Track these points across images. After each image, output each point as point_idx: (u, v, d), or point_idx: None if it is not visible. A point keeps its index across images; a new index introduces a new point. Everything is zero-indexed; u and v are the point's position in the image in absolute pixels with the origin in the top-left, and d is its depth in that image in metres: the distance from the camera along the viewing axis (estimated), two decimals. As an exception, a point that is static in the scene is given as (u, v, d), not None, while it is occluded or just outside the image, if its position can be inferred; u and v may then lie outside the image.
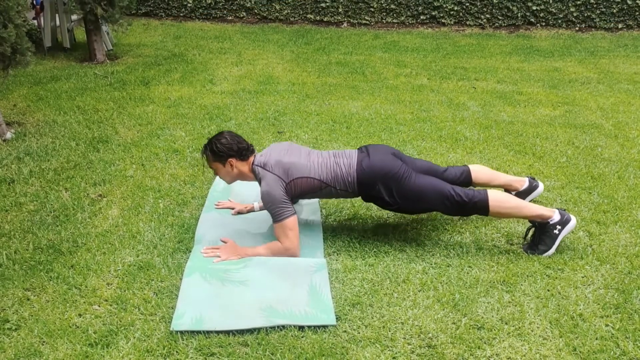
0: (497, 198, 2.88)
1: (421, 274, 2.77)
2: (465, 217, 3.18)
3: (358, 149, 3.03)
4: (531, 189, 3.32)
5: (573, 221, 2.90)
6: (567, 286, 2.67)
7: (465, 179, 3.16)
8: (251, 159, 2.96)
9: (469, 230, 3.15)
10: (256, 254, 2.84)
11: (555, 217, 2.89)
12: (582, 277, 2.74)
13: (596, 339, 2.35)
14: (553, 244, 2.88)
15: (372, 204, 3.42)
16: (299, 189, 2.89)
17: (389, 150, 3.00)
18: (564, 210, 2.97)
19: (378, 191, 2.88)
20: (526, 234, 3.02)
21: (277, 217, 2.81)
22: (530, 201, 3.30)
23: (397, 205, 2.91)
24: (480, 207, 2.87)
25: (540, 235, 2.92)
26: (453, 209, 2.90)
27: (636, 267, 2.82)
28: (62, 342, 2.31)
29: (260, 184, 2.87)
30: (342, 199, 3.32)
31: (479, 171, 3.22)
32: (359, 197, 3.05)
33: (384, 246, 3.00)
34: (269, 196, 2.80)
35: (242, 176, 2.99)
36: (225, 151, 2.90)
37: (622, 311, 2.50)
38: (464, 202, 2.86)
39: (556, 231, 2.88)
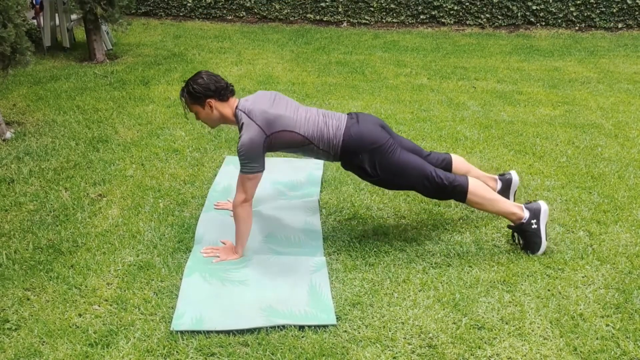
0: (476, 186, 2.89)
1: (421, 274, 2.77)
2: (441, 201, 3.14)
3: (347, 114, 2.95)
4: (507, 184, 3.28)
5: (543, 207, 2.90)
6: (567, 286, 2.67)
7: (446, 167, 3.15)
8: (232, 101, 2.87)
9: (469, 230, 3.15)
10: (238, 237, 2.83)
11: (526, 214, 2.89)
12: (583, 277, 2.74)
13: (597, 338, 2.35)
14: (539, 238, 2.88)
15: (367, 203, 3.42)
16: (280, 142, 2.81)
17: (377, 121, 2.96)
18: (529, 202, 2.96)
19: (360, 160, 2.84)
20: (513, 239, 3.02)
21: (244, 168, 2.75)
22: (514, 193, 3.31)
23: (377, 178, 2.88)
24: (459, 192, 2.87)
25: (524, 237, 2.92)
26: (432, 191, 2.89)
27: (636, 267, 2.82)
28: (62, 342, 2.30)
29: (240, 129, 2.78)
30: (322, 160, 3.23)
31: (460, 161, 3.21)
32: (338, 163, 2.99)
33: (384, 246, 3.00)
34: (245, 147, 2.71)
35: (224, 119, 2.89)
36: (203, 91, 2.80)
37: (623, 311, 2.50)
38: (444, 185, 2.85)
39: (534, 226, 2.87)
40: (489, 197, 2.91)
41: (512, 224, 2.94)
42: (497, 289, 2.65)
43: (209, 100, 2.82)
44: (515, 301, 2.57)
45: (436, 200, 3.35)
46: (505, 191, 3.28)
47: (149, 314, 2.47)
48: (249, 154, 2.73)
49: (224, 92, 2.84)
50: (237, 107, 2.84)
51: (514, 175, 3.32)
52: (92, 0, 6.35)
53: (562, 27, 8.93)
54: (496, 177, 3.32)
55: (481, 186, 2.93)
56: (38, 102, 5.21)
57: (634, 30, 8.83)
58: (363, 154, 2.83)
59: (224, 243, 2.97)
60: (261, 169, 2.78)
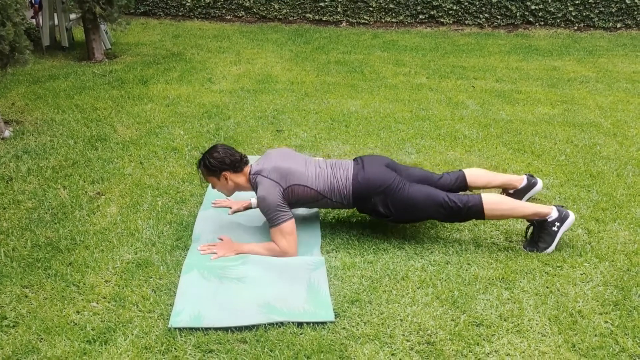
0: (491, 201, 2.89)
1: (420, 271, 2.76)
2: (463, 222, 3.17)
3: (353, 160, 3.04)
4: (530, 186, 3.31)
5: (572, 217, 2.90)
6: (566, 283, 2.67)
7: (461, 184, 3.15)
8: (246, 169, 2.96)
9: (468, 228, 3.15)
10: (253, 252, 2.84)
11: (553, 214, 2.89)
12: (581, 274, 2.74)
13: (595, 335, 2.35)
14: (553, 241, 2.88)
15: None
16: (296, 196, 2.89)
17: (383, 161, 3.01)
18: (562, 206, 2.96)
19: (373, 204, 2.90)
20: (526, 233, 3.03)
21: (273, 222, 2.80)
22: (529, 199, 3.30)
23: (393, 217, 2.92)
24: (475, 212, 2.88)
25: (540, 233, 2.92)
26: (449, 216, 2.90)
27: (635, 265, 2.82)
28: (60, 339, 2.30)
29: (256, 191, 2.87)
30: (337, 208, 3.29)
31: (475, 174, 3.20)
32: (354, 208, 3.05)
33: (382, 244, 2.99)
34: (265, 201, 2.79)
35: (239, 187, 2.99)
36: (218, 165, 2.91)
37: (621, 308, 2.50)
38: (459, 208, 2.86)
39: (555, 228, 2.88)
40: (507, 207, 2.91)
41: (533, 221, 2.93)
42: (496, 286, 2.65)
43: (224, 173, 2.91)
44: (513, 298, 2.57)
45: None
46: (524, 191, 3.28)
47: (147, 311, 2.46)
48: (270, 206, 2.79)
49: (239, 164, 2.94)
50: (250, 173, 2.93)
51: (539, 185, 3.32)
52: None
53: (561, 26, 8.94)
54: (524, 176, 3.31)
55: (496, 199, 2.93)
56: (37, 101, 5.21)
57: (633, 29, 8.85)
58: (374, 197, 2.89)
59: (221, 239, 2.97)
60: (290, 215, 2.82)
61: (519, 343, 2.30)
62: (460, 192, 3.12)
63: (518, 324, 2.41)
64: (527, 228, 3.01)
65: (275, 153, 3.01)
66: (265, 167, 2.88)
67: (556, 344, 2.30)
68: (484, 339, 2.32)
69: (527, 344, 2.30)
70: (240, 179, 2.95)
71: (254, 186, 2.91)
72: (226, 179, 2.93)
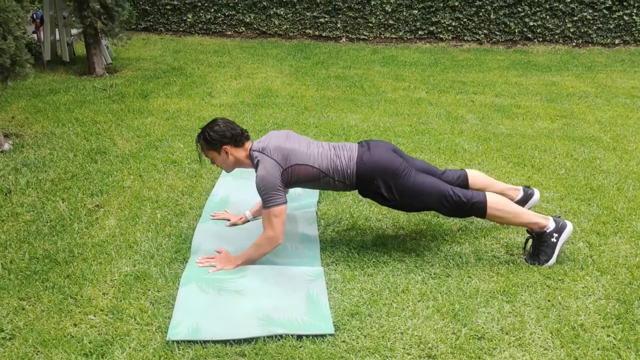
0: (495, 201, 2.87)
1: (420, 284, 2.75)
2: (461, 219, 3.14)
3: (358, 143, 3.00)
4: (527, 197, 3.31)
5: (569, 227, 2.89)
6: (567, 296, 2.65)
7: (462, 183, 3.15)
8: (247, 144, 2.91)
9: (469, 241, 3.13)
10: (247, 257, 2.82)
11: (551, 225, 2.87)
12: (583, 288, 2.72)
13: (598, 349, 2.32)
14: (553, 252, 2.87)
15: (365, 214, 3.41)
16: (296, 176, 2.84)
17: (389, 146, 2.98)
18: (559, 217, 2.95)
19: (377, 186, 2.85)
20: (525, 245, 3.01)
21: (267, 203, 2.75)
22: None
23: (395, 202, 2.88)
24: (478, 209, 2.85)
25: (539, 245, 2.90)
26: (451, 209, 2.87)
27: (637, 278, 2.80)
28: (56, 352, 2.27)
29: (256, 168, 2.81)
30: (340, 191, 3.20)
31: (476, 177, 3.21)
32: (356, 191, 2.99)
33: (382, 256, 2.98)
34: (263, 180, 2.74)
35: (239, 163, 2.94)
36: (219, 139, 2.85)
37: (624, 321, 2.48)
38: (463, 202, 2.84)
39: (554, 239, 2.86)
40: (509, 210, 2.88)
41: (532, 231, 2.91)
42: (497, 299, 2.63)
43: (224, 146, 2.87)
44: (515, 312, 2.55)
45: (434, 212, 3.33)
46: (521, 203, 3.27)
47: (145, 324, 2.44)
48: (268, 186, 2.75)
49: (240, 138, 2.89)
50: (250, 149, 2.89)
51: (537, 194, 3.34)
52: (92, 14, 6.39)
53: (559, 42, 9.00)
54: (520, 187, 3.33)
55: (501, 200, 2.90)
56: (37, 115, 5.21)
57: (631, 45, 8.90)
58: (378, 180, 2.85)
59: (219, 252, 2.95)
60: (284, 200, 2.78)
61: (521, 356, 2.28)
62: None
63: (520, 338, 2.38)
64: (526, 240, 3.00)
65: (278, 133, 2.96)
66: (268, 146, 2.83)
67: (558, 358, 2.27)
68: (485, 353, 2.30)
69: (529, 357, 2.27)
70: (241, 153, 2.90)
71: (253, 162, 2.86)
72: (227, 153, 2.88)
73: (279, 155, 2.80)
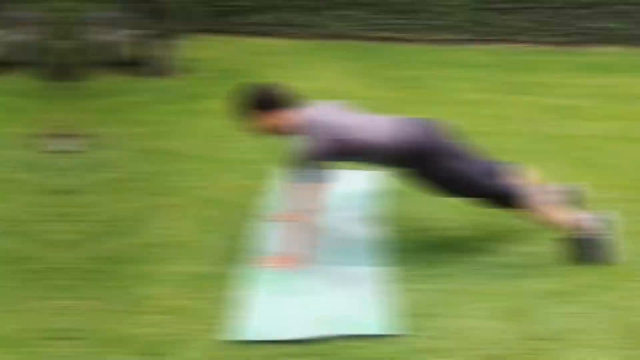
0: (539, 194, 2.80)
1: (486, 285, 2.71)
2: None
3: (414, 119, 2.89)
4: (574, 198, 3.12)
5: (613, 219, 2.80)
6: (633, 297, 2.60)
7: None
8: (292, 112, 2.80)
9: (538, 242, 3.02)
10: (294, 245, 2.78)
11: (595, 225, 2.78)
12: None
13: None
14: (607, 250, 2.77)
15: (429, 214, 3.34)
16: (347, 151, 2.72)
17: (442, 127, 2.90)
18: (600, 213, 2.85)
19: (427, 166, 2.76)
20: (577, 244, 2.84)
21: (305, 178, 2.65)
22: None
23: (441, 184, 2.81)
24: (525, 204, 2.77)
25: (591, 244, 2.79)
26: (493, 197, 2.79)
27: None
28: (117, 352, 2.30)
29: (299, 140, 2.71)
30: (386, 170, 3.11)
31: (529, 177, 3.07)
32: (401, 174, 2.95)
33: (448, 257, 2.93)
34: (306, 154, 2.65)
35: (280, 130, 2.83)
36: (257, 102, 2.77)
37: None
38: (508, 191, 2.76)
39: (602, 237, 2.76)
40: (551, 206, 2.80)
41: (576, 234, 2.80)
42: (566, 300, 2.58)
43: (264, 110, 2.79)
44: (584, 313, 2.50)
45: (505, 212, 3.14)
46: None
47: (210, 324, 2.44)
48: (310, 159, 2.66)
49: (281, 102, 2.81)
50: (297, 117, 2.79)
51: (582, 191, 3.17)
52: (165, 15, 6.48)
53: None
54: (564, 188, 3.16)
55: (544, 196, 2.83)
56: (105, 115, 5.28)
57: None
58: (428, 161, 2.76)
59: (282, 254, 2.89)
60: (324, 179, 2.69)
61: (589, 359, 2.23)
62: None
63: (588, 339, 2.34)
64: (577, 239, 2.83)
65: (331, 105, 2.89)
66: (316, 118, 2.74)
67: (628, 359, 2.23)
68: (554, 354, 2.27)
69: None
70: (282, 120, 2.80)
71: (298, 131, 2.74)
72: (270, 117, 2.78)
73: (325, 129, 2.68)
